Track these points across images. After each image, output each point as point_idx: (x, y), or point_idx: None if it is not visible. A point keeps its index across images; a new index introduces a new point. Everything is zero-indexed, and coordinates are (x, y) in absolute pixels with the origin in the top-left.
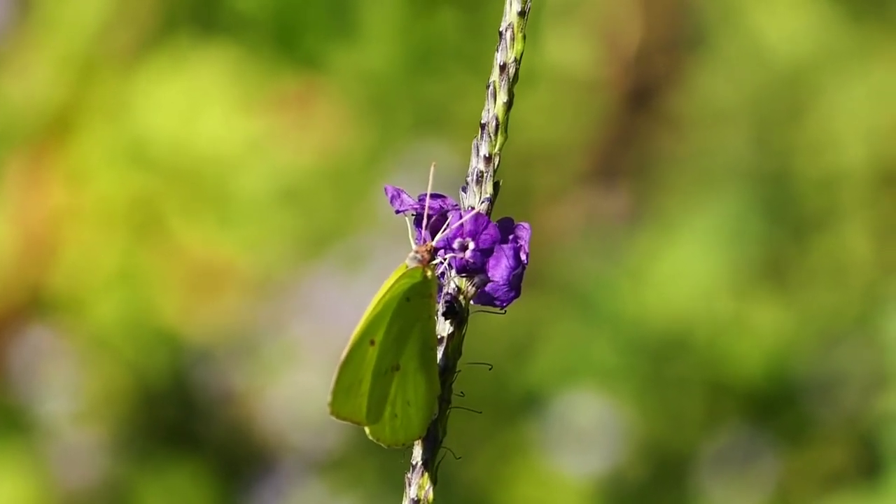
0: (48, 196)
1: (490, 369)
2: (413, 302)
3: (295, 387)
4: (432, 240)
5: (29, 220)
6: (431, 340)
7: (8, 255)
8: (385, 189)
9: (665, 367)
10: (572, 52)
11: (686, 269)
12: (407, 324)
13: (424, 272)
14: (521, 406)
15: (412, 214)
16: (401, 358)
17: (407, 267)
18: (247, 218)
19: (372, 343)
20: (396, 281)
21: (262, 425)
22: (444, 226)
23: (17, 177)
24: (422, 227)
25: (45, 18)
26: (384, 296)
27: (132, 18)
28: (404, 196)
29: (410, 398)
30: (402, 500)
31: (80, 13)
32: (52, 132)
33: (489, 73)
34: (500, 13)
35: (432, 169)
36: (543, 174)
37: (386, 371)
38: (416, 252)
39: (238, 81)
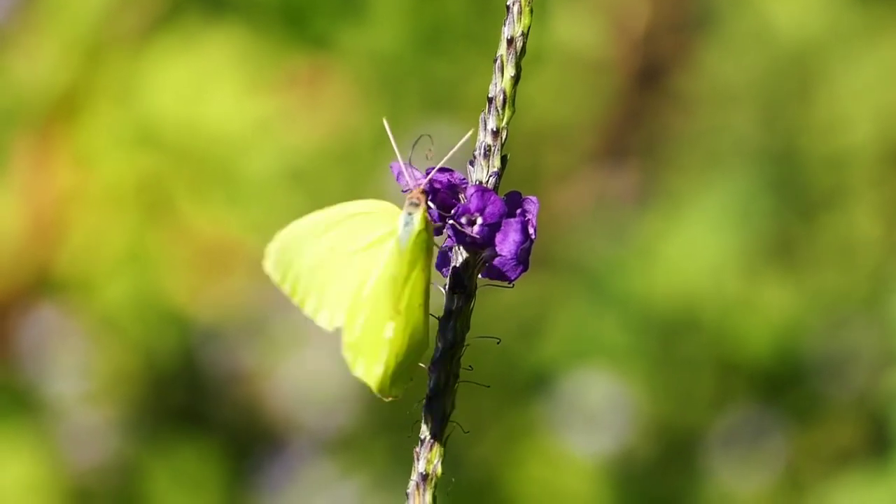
0: (56, 177)
1: (498, 343)
2: (409, 248)
3: (304, 366)
4: (439, 211)
5: (37, 201)
6: (425, 285)
7: (16, 237)
8: (391, 167)
9: (674, 347)
10: (581, 31)
11: (694, 249)
12: (403, 267)
13: (422, 219)
14: (529, 386)
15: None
16: (400, 300)
17: (408, 213)
18: (255, 198)
19: (343, 251)
20: (388, 213)
21: (272, 405)
22: (431, 174)
23: (25, 158)
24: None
25: None
26: (364, 215)
27: None
28: (411, 170)
29: (405, 341)
30: (410, 476)
31: None
32: (60, 113)
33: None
34: None
35: (391, 143)
36: (552, 154)
37: (387, 310)
38: (410, 199)
39: (246, 62)
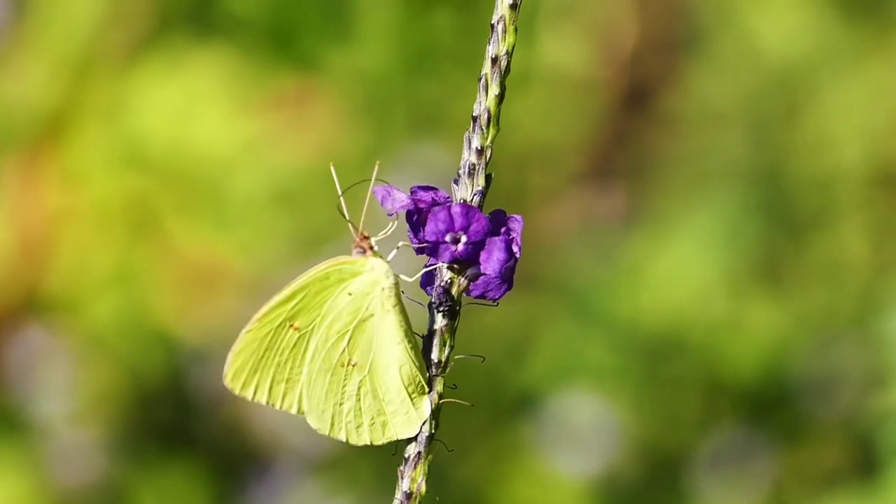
0: (44, 197)
1: (483, 361)
2: (357, 298)
3: None
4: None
5: (25, 220)
6: (397, 334)
7: (4, 256)
8: (375, 192)
9: (661, 367)
10: (568, 52)
11: (681, 269)
12: (352, 318)
13: (369, 265)
14: (516, 406)
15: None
16: (354, 353)
17: (351, 259)
18: (242, 218)
19: (295, 328)
20: (332, 270)
21: (258, 425)
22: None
23: (13, 178)
24: (414, 223)
25: (40, 19)
26: (310, 283)
27: (127, 19)
28: (395, 192)
29: (386, 396)
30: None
31: (76, 14)
32: (48, 133)
33: None
34: None
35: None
36: (539, 174)
37: (340, 366)
38: (356, 246)
39: (234, 82)
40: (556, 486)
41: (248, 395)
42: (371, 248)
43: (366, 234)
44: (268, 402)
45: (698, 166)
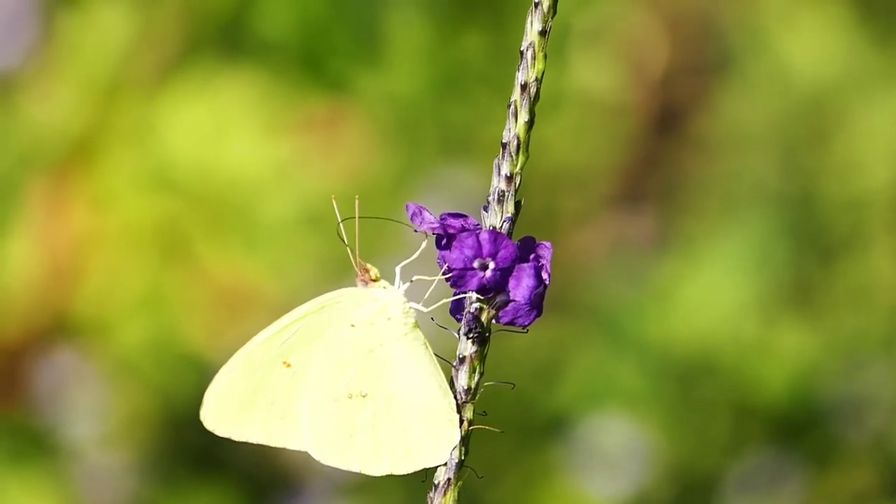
0: (73, 220)
1: (513, 388)
2: (362, 328)
3: None
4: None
5: (54, 243)
6: (413, 362)
7: (33, 279)
8: (407, 206)
9: (691, 391)
10: (598, 75)
11: (712, 293)
12: (358, 348)
13: (372, 296)
14: (547, 429)
15: (430, 234)
16: (364, 383)
17: (353, 291)
18: (272, 241)
19: (288, 365)
20: (328, 303)
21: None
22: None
23: (42, 200)
24: (444, 249)
25: (69, 42)
26: (301, 318)
27: (157, 42)
28: (426, 214)
29: (407, 424)
30: None
31: (105, 36)
32: (77, 156)
33: None
34: None
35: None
36: (569, 198)
37: (348, 397)
38: (358, 279)
39: (264, 105)
40: None
41: (235, 435)
42: (373, 279)
43: (366, 267)
44: (259, 441)
45: (729, 190)
